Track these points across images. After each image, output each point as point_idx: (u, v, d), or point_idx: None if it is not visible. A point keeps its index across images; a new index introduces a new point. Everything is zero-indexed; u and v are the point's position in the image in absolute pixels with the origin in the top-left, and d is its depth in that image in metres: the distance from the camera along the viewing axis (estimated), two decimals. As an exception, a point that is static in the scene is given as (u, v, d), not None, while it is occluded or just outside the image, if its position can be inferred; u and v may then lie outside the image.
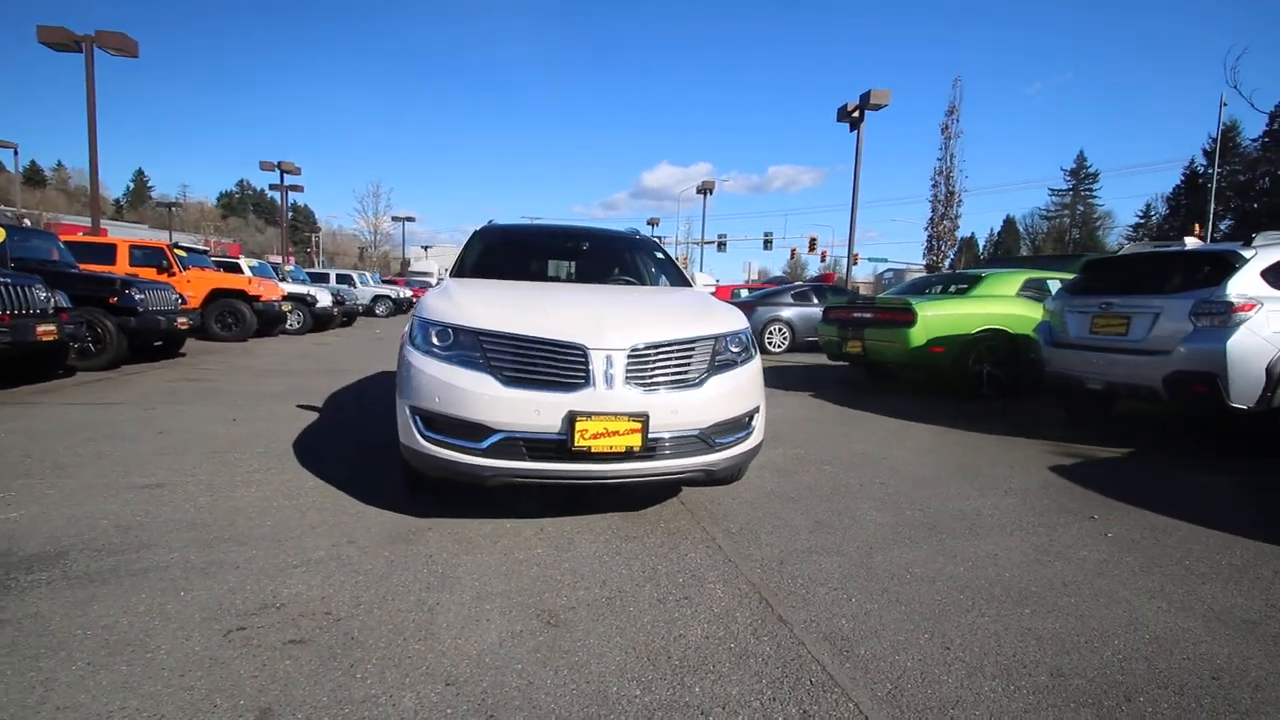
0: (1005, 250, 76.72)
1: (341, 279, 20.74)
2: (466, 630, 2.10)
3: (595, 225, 4.92)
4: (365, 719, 1.65)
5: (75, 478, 3.49)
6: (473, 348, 2.84)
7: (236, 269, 12.93)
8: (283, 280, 14.48)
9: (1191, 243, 5.22)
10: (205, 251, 12.89)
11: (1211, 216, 28.78)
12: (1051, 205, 79.15)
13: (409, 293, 24.67)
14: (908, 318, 6.82)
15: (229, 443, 4.36)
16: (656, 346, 2.89)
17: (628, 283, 4.32)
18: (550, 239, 4.90)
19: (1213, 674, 1.97)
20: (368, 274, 23.45)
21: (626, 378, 2.78)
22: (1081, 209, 78.19)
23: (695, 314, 3.25)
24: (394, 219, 50.81)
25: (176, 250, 10.83)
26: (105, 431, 4.52)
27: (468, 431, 2.76)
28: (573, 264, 4.66)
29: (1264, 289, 4.39)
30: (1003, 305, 7.04)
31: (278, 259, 27.88)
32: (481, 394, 2.72)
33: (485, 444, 2.74)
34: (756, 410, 3.17)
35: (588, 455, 2.72)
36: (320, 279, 19.25)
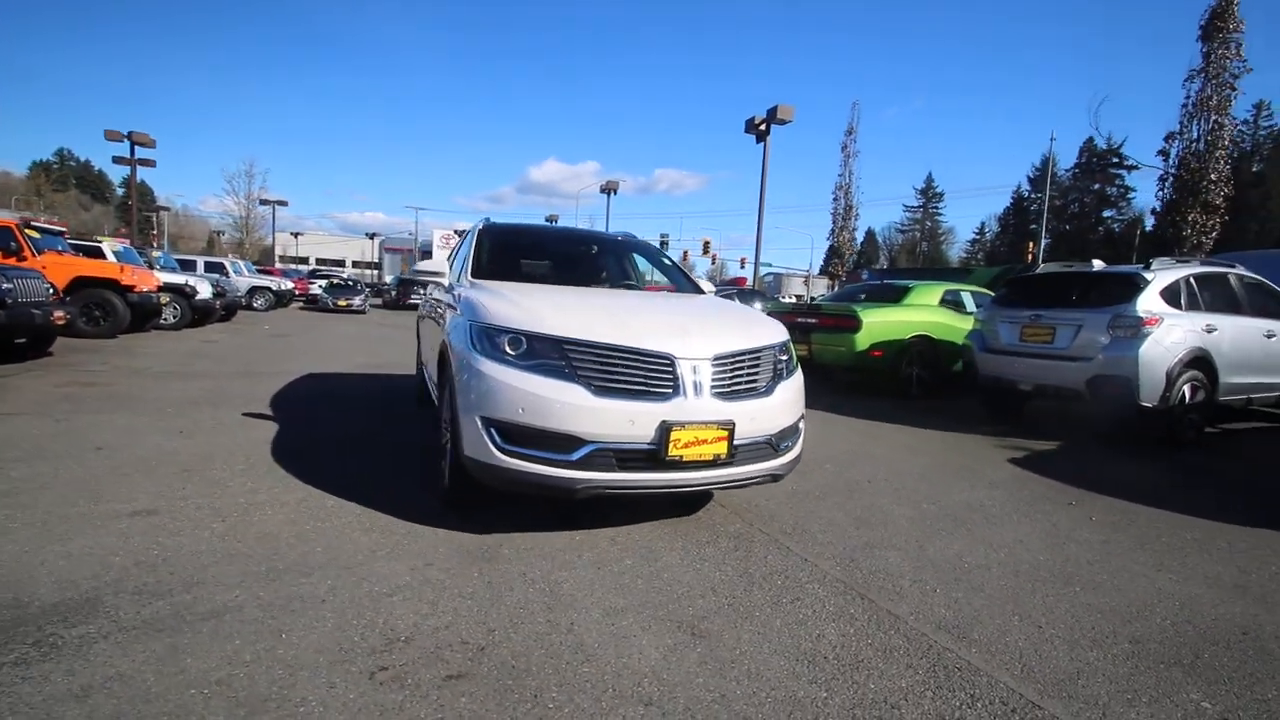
0: (867, 260, 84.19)
1: (212, 267, 18.50)
2: (621, 648, 2.06)
3: (588, 229, 4.84)
4: (591, 749, 1.59)
5: (34, 507, 2.93)
6: (556, 356, 2.75)
7: (98, 253, 11.15)
8: (149, 267, 12.71)
9: (1098, 264, 6.16)
10: (62, 232, 10.98)
11: (1043, 235, 33.30)
12: (905, 220, 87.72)
13: (290, 284, 22.56)
14: (853, 324, 7.38)
15: (194, 458, 3.83)
16: (734, 356, 2.96)
17: (666, 287, 4.34)
18: (563, 242, 4.79)
19: (1241, 630, 2.40)
20: (240, 262, 21.11)
21: (712, 387, 2.83)
22: (930, 225, 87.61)
23: (750, 322, 3.36)
24: (263, 202, 45.85)
25: (28, 231, 9.16)
26: (28, 449, 3.80)
27: (557, 444, 2.67)
28: (592, 268, 4.58)
29: (1163, 306, 5.27)
30: (929, 314, 7.82)
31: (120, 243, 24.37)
32: (574, 405, 2.65)
33: (576, 456, 2.66)
34: (803, 416, 3.34)
35: (679, 464, 2.74)
36: (186, 267, 17.07)
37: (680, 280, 4.48)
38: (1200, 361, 5.25)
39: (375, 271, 59.73)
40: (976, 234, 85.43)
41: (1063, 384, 5.53)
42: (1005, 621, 2.39)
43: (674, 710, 1.77)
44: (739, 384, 2.94)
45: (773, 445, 3.05)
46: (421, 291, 7.44)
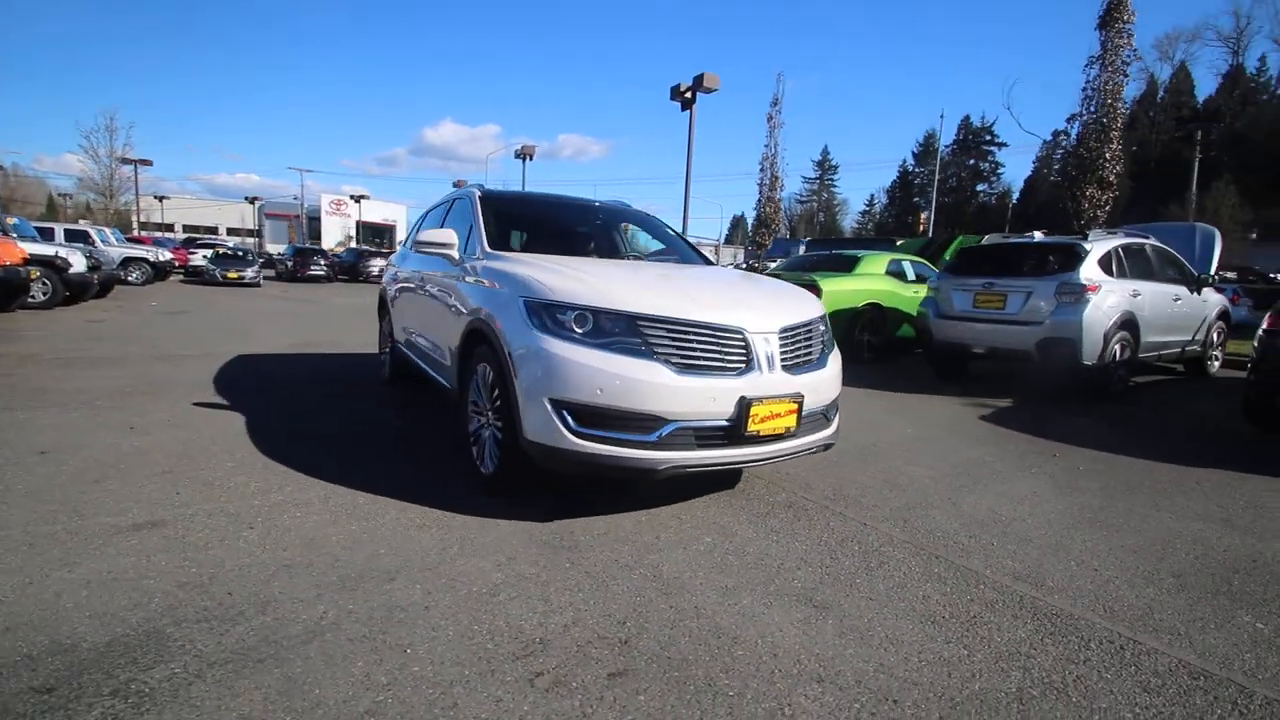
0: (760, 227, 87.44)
1: (73, 236, 16.06)
2: (758, 627, 2.04)
3: (585, 198, 4.62)
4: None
5: (5, 528, 2.45)
6: (631, 334, 2.62)
7: (-63, 220, 9.35)
8: (4, 235, 10.87)
9: (1038, 235, 6.70)
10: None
11: (933, 208, 35.80)
12: (804, 192, 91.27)
13: (168, 254, 20.12)
14: (815, 293, 7.62)
15: (169, 458, 3.36)
16: (795, 328, 2.96)
17: (673, 259, 4.21)
18: (571, 211, 4.52)
19: (1250, 559, 2.75)
20: (107, 230, 18.45)
21: (781, 360, 2.82)
22: (826, 196, 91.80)
23: (793, 295, 3.36)
24: (123, 161, 39.93)
25: None
26: (-50, 458, 3.17)
27: (638, 424, 2.57)
28: (608, 239, 4.37)
29: (1101, 274, 5.84)
30: (878, 282, 8.22)
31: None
32: (657, 384, 2.55)
33: (657, 436, 2.58)
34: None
35: (755, 439, 2.73)
36: (44, 236, 14.74)
37: (688, 252, 4.40)
38: (1129, 323, 5.89)
39: (255, 239, 54.53)
40: (867, 206, 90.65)
41: (1015, 346, 6.02)
42: (1066, 567, 2.60)
43: (847, 684, 1.78)
44: (800, 356, 2.96)
45: (825, 415, 3.11)
46: (378, 264, 6.82)
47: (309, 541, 2.49)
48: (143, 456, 3.37)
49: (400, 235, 66.24)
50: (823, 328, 3.28)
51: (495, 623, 1.99)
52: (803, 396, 2.83)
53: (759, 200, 30.87)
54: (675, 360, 2.62)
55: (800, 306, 3.17)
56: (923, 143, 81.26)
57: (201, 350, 7.14)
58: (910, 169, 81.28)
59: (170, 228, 48.72)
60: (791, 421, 2.82)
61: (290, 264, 24.47)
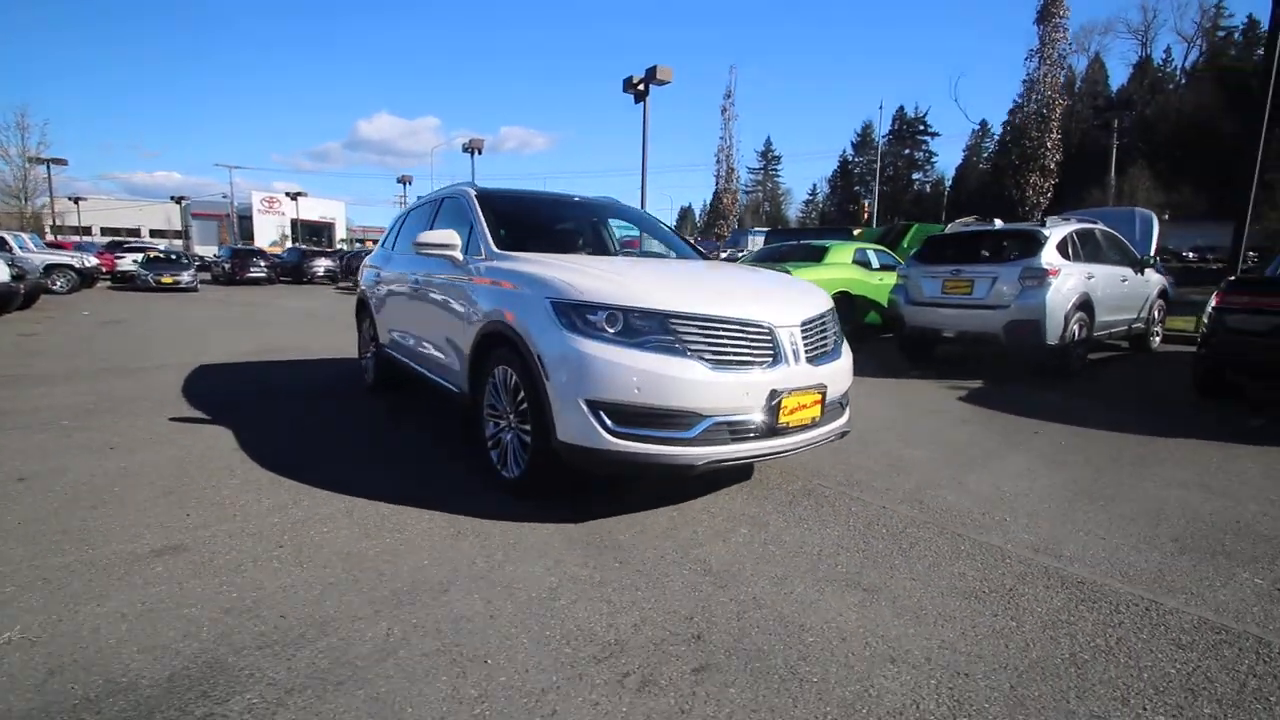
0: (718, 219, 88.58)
1: (-15, 242, 14.81)
2: (822, 613, 2.10)
3: (580, 196, 4.57)
4: (890, 708, 1.64)
5: (9, 563, 2.28)
6: (663, 331, 2.64)
7: None
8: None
9: (998, 223, 7.03)
10: None
11: (876, 197, 36.93)
12: (749, 182, 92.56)
13: (94, 259, 18.82)
14: (788, 283, 7.79)
15: (166, 478, 3.18)
16: (813, 321, 3.04)
17: (670, 255, 4.23)
18: (570, 209, 4.45)
19: (1235, 520, 2.98)
20: (25, 236, 17.06)
21: (805, 352, 2.89)
22: (770, 186, 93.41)
23: (802, 288, 3.43)
24: (33, 160, 36.73)
25: None
26: (-81, 491, 2.91)
27: (675, 422, 2.59)
28: (609, 237, 4.33)
29: (1059, 259, 6.18)
30: (846, 271, 8.46)
31: None
32: (694, 380, 2.58)
33: (694, 433, 2.61)
34: None
35: (784, 431, 2.79)
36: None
37: (683, 246, 4.43)
38: (1085, 304, 6.26)
39: (182, 241, 51.56)
40: (810, 195, 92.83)
41: (983, 329, 6.32)
42: (1076, 538, 2.77)
43: (918, 662, 1.86)
44: (819, 348, 3.04)
45: (841, 404, 3.21)
46: (323, 264, 6.49)
47: (346, 557, 2.41)
48: (136, 478, 3.18)
49: (340, 233, 63.91)
50: (834, 319, 3.37)
51: (565, 627, 1.99)
52: (825, 387, 2.91)
53: (715, 191, 31.23)
54: (708, 356, 2.65)
55: (814, 299, 3.25)
56: (860, 133, 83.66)
57: (156, 361, 6.74)
58: (850, 159, 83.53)
59: (87, 230, 45.43)
60: (817, 412, 2.90)
61: (227, 266, 23.24)
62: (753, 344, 2.75)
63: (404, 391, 5.29)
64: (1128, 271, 7.15)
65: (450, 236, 3.53)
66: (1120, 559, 2.57)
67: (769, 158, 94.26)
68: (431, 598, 2.14)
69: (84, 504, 2.85)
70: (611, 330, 2.64)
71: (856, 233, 13.42)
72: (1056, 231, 6.36)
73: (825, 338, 3.13)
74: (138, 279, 18.64)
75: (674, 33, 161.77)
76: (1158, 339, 8.23)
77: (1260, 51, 69.96)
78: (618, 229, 4.62)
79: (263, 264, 23.37)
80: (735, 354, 2.71)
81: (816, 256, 8.54)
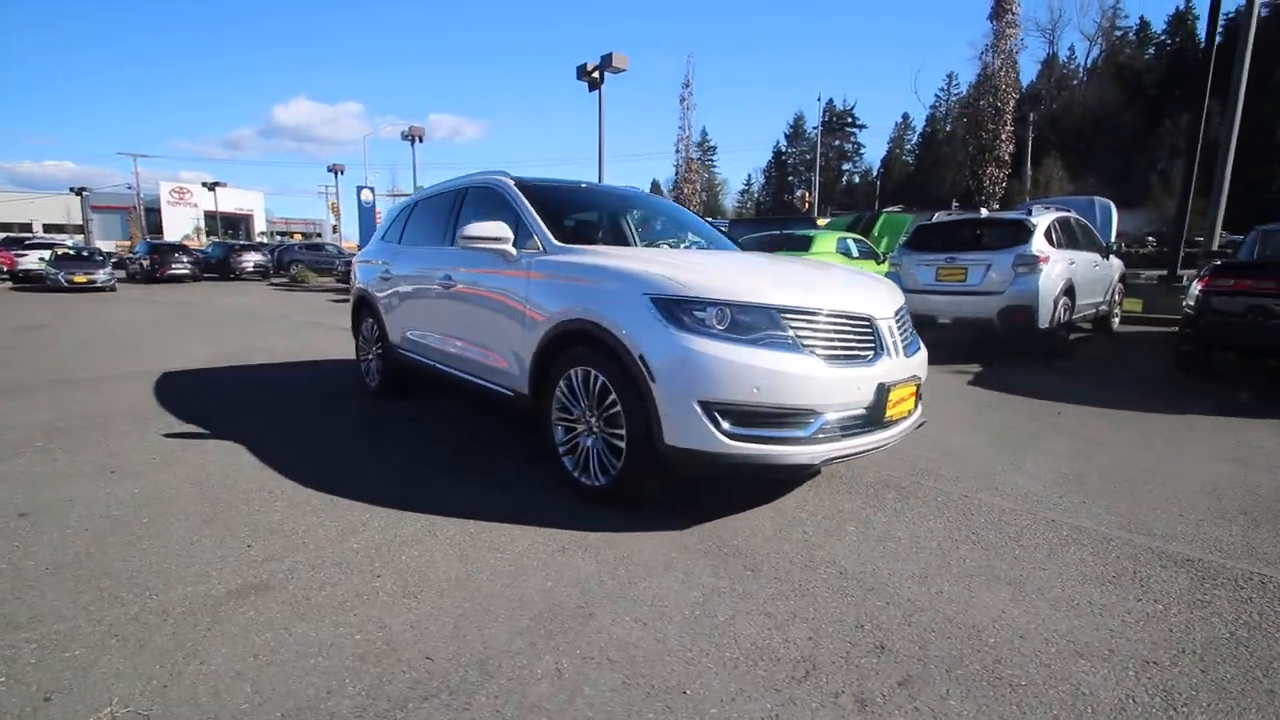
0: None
1: None
2: (986, 611, 2.06)
3: (608, 184, 4.37)
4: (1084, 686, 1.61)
5: (62, 618, 1.94)
6: (775, 327, 2.52)
7: None
8: None
9: (985, 212, 7.27)
10: None
11: (816, 187, 37.91)
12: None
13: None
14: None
15: (197, 504, 2.82)
16: (899, 312, 3.01)
17: (710, 246, 4.09)
18: (612, 199, 4.23)
19: (1276, 489, 3.17)
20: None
21: (901, 343, 2.85)
22: (707, 176, 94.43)
23: (879, 281, 3.39)
24: None
25: None
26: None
27: (793, 420, 2.49)
28: (656, 228, 4.14)
29: (1048, 246, 6.45)
30: (831, 260, 8.57)
31: None
32: (812, 377, 2.48)
33: (811, 430, 2.51)
34: None
35: (888, 423, 2.74)
36: None
37: (720, 238, 4.31)
38: (1069, 289, 6.58)
39: (83, 236, 47.17)
40: (745, 185, 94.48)
41: (977, 315, 6.54)
42: (1159, 517, 2.85)
43: (1105, 655, 1.83)
44: (908, 338, 3.01)
45: (919, 395, 3.20)
46: (253, 259, 5.94)
47: (459, 583, 2.19)
48: (161, 506, 2.81)
49: (260, 225, 60.09)
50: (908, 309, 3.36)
51: (741, 646, 1.86)
52: (919, 378, 2.89)
53: (675, 181, 31.23)
54: (820, 351, 2.56)
55: (894, 290, 3.23)
56: (793, 124, 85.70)
57: (108, 371, 6.07)
58: (784, 150, 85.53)
59: (-36, 225, 40.78)
60: (913, 403, 2.88)
61: (146, 263, 21.36)
62: (860, 337, 2.69)
63: (417, 395, 4.95)
64: (1097, 257, 7.57)
65: (500, 229, 3.28)
66: (1207, 535, 2.67)
67: (705, 148, 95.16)
68: (579, 623, 1.96)
69: (115, 541, 2.48)
70: (720, 327, 2.51)
71: (822, 222, 13.66)
72: (1043, 220, 6.63)
73: (908, 328, 3.11)
74: (47, 278, 16.84)
75: (607, 22, 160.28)
76: (1117, 320, 8.78)
77: (1152, 50, 75.90)
78: (656, 221, 4.45)
79: (186, 260, 21.62)
80: (845, 348, 2.63)
81: (803, 246, 8.62)
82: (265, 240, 45.35)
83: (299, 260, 24.57)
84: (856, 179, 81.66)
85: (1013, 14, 18.35)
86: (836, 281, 2.96)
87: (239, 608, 2.02)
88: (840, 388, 2.55)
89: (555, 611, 2.02)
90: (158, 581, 2.17)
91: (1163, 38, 73.36)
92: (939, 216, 7.56)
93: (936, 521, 2.78)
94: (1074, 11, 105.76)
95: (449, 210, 4.20)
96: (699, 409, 2.45)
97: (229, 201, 52.98)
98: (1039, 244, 6.37)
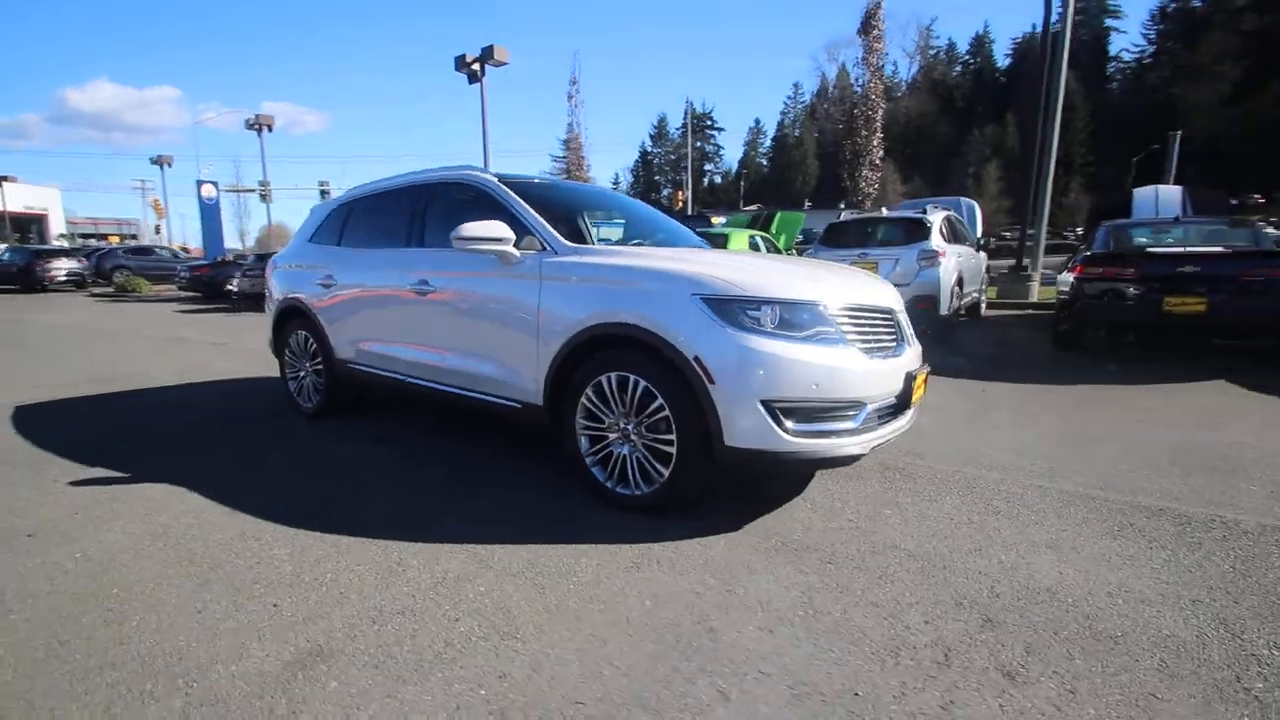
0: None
1: None
2: (1063, 576, 2.24)
3: (591, 185, 4.20)
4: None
5: (97, 683, 1.53)
6: (822, 323, 2.58)
7: None
8: None
9: (885, 211, 7.92)
10: None
11: (690, 186, 39.20)
12: (554, 169, 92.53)
13: None
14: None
15: (170, 563, 2.36)
16: (903, 305, 3.20)
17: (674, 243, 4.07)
18: (597, 198, 4.03)
19: (1222, 451, 3.77)
20: None
21: (912, 334, 3.04)
22: (576, 175, 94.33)
23: (874, 275, 3.57)
24: None
25: None
26: None
27: (843, 413, 2.57)
28: (649, 227, 3.99)
29: (942, 242, 7.18)
30: (746, 256, 8.93)
31: None
32: (859, 370, 2.58)
33: (858, 422, 2.61)
34: None
35: (906, 409, 2.91)
36: None
37: (696, 238, 4.33)
38: (960, 279, 7.39)
39: None
40: (613, 184, 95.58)
41: (890, 305, 7.13)
42: (1117, 474, 3.27)
43: (1191, 608, 2.03)
44: (912, 329, 3.22)
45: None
46: (65, 266, 5.03)
47: (552, 615, 2.02)
48: (129, 571, 2.31)
49: (57, 227, 51.03)
50: None
51: (871, 639, 1.88)
52: (928, 365, 3.10)
53: (567, 178, 30.72)
54: (860, 345, 2.66)
55: (889, 285, 3.43)
56: (657, 125, 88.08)
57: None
58: (649, 150, 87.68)
59: None
60: (924, 389, 3.08)
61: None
62: (887, 329, 2.83)
63: (368, 413, 4.47)
64: (972, 250, 8.58)
65: (500, 229, 3.06)
66: (1159, 486, 3.10)
67: (571, 146, 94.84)
68: (707, 639, 1.89)
69: (92, 622, 2.00)
70: (772, 326, 2.52)
71: (724, 221, 14.16)
72: (936, 218, 7.39)
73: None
74: None
75: (460, 16, 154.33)
76: (984, 306, 10.01)
77: (959, 68, 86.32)
78: (630, 218, 4.35)
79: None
80: (878, 340, 2.76)
81: (720, 244, 8.88)
82: (66, 243, 38.63)
83: (125, 266, 21.16)
84: (718, 179, 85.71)
85: (878, 30, 20.33)
86: (857, 278, 3.09)
87: (314, 681, 1.71)
88: (880, 379, 2.67)
89: (676, 631, 1.93)
90: (185, 664, 1.78)
91: (966, 58, 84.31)
92: (845, 216, 8.16)
93: (952, 498, 3.00)
94: (896, 30, 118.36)
95: (411, 210, 3.84)
96: (761, 408, 2.45)
97: (16, 199, 44.40)
98: (936, 240, 7.09)
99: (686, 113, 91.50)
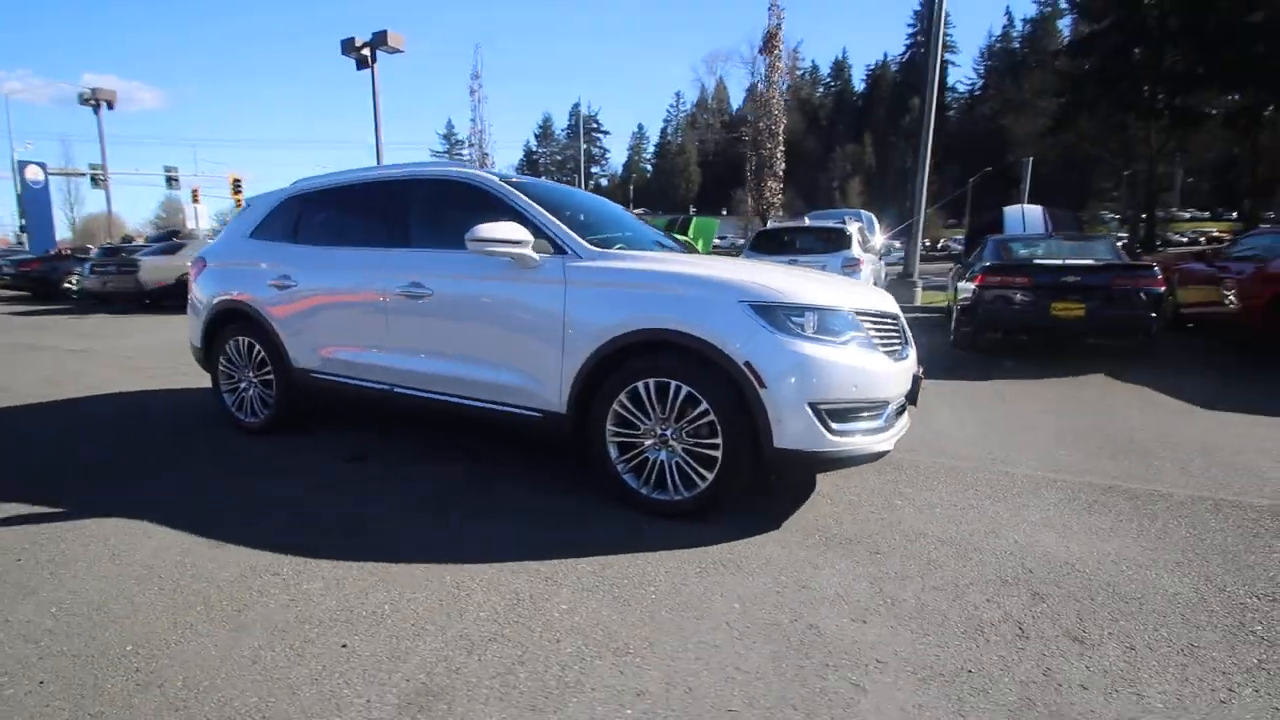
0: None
1: None
2: (1078, 549, 2.55)
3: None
4: None
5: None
6: (855, 328, 2.74)
7: None
8: None
9: (808, 220, 8.42)
10: None
11: (582, 186, 39.15)
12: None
13: None
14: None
15: (177, 614, 2.04)
16: (895, 310, 3.46)
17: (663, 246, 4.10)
18: (568, 195, 3.90)
19: (1115, 430, 4.41)
20: None
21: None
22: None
23: (870, 284, 3.81)
24: None
25: None
26: None
27: (874, 412, 2.76)
28: (641, 234, 3.91)
29: (859, 250, 7.79)
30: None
31: None
32: (887, 372, 2.78)
33: (883, 420, 2.81)
34: None
35: (907, 409, 3.16)
36: None
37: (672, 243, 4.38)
38: (876, 284, 8.04)
39: None
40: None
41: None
42: (1060, 458, 3.75)
43: (1152, 563, 2.42)
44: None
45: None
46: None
47: (657, 628, 1.99)
48: (128, 624, 1.97)
49: None
50: None
51: (955, 622, 2.04)
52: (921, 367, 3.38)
53: None
54: (882, 348, 2.86)
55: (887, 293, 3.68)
56: (542, 125, 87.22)
57: None
58: (534, 150, 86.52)
59: None
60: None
61: None
62: (897, 334, 3.05)
63: (334, 425, 4.08)
64: (875, 258, 9.38)
65: (518, 231, 2.94)
66: (1099, 467, 3.59)
67: (451, 140, 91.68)
68: (816, 635, 1.95)
69: (122, 688, 1.68)
70: (813, 331, 2.65)
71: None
72: (853, 228, 8.01)
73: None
74: None
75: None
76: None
77: (821, 89, 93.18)
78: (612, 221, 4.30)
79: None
80: (893, 343, 2.97)
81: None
82: None
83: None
84: (604, 181, 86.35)
85: (778, 50, 21.52)
86: (863, 286, 3.30)
87: (441, 722, 1.57)
88: (899, 379, 2.89)
89: (780, 631, 1.98)
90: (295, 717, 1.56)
91: (828, 80, 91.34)
92: (772, 224, 8.61)
93: (944, 486, 3.29)
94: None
95: (390, 207, 3.56)
96: (810, 410, 2.56)
97: None
98: (855, 248, 7.69)
99: (573, 114, 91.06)
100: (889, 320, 2.99)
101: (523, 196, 3.20)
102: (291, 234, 3.93)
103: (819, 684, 1.73)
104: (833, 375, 2.58)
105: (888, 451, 2.81)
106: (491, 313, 3.13)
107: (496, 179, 3.32)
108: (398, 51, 16.18)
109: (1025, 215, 11.30)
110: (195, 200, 35.55)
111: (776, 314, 2.61)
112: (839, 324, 2.70)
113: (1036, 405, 5.07)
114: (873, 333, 2.81)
